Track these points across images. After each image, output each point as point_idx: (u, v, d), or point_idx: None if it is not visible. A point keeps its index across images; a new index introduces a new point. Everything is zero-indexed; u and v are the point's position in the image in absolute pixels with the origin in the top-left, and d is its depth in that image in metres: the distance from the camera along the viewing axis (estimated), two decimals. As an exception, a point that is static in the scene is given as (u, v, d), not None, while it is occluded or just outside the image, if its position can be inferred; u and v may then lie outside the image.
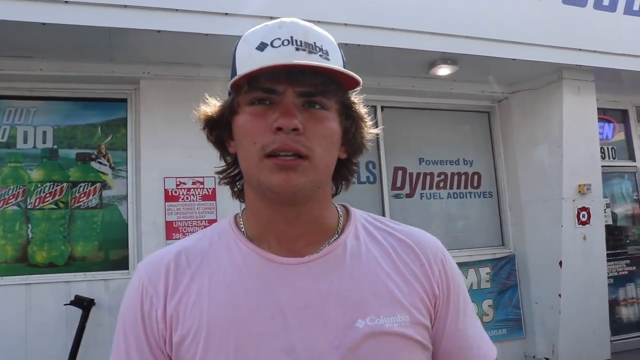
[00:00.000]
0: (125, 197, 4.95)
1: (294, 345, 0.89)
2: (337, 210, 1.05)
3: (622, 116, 7.50)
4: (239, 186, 1.05)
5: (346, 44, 3.99)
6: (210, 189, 4.82)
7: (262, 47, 0.91)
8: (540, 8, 5.53)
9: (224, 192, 4.79)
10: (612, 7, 5.99)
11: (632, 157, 7.44)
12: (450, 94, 6.16)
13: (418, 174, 6.21)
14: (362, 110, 1.02)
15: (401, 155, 6.13)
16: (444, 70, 5.52)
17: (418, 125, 6.29)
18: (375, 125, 1.05)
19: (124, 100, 5.06)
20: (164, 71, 4.84)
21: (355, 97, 1.01)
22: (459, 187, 6.38)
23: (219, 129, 1.01)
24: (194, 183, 4.77)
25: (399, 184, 6.09)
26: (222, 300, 0.92)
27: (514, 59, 5.35)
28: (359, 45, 4.65)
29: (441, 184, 6.27)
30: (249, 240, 0.99)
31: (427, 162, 6.27)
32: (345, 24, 4.61)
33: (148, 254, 1.14)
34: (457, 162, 6.40)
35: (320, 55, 0.91)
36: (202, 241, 1.02)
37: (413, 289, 0.98)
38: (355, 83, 0.94)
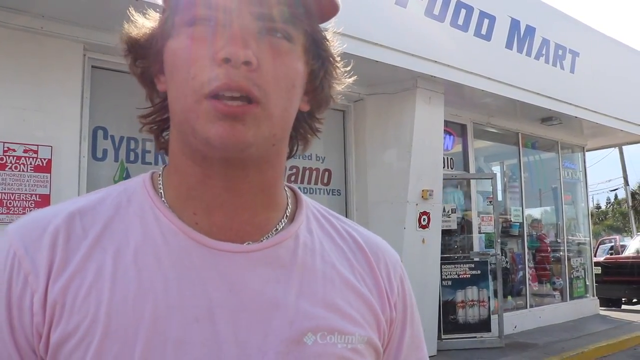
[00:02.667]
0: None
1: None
2: (285, 190, 0.83)
3: (461, 130, 8.11)
4: (166, 137, 0.80)
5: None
6: (45, 159, 4.28)
7: None
8: (404, 16, 5.72)
9: (62, 165, 4.37)
10: (465, 27, 6.40)
11: (466, 169, 8.09)
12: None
13: (270, 165, 6.12)
14: (334, 49, 0.79)
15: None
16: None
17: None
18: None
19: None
20: (-2, 18, 4.21)
21: (327, 32, 0.78)
22: (309, 182, 6.41)
23: (146, 59, 0.75)
24: (25, 151, 4.21)
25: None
26: (130, 289, 0.67)
27: (376, 61, 5.46)
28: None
29: (292, 178, 6.25)
30: (169, 208, 0.74)
31: (281, 154, 6.22)
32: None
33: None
34: (309, 157, 6.41)
35: None
36: (104, 203, 0.74)
37: (370, 306, 0.78)
38: (331, 11, 0.73)
